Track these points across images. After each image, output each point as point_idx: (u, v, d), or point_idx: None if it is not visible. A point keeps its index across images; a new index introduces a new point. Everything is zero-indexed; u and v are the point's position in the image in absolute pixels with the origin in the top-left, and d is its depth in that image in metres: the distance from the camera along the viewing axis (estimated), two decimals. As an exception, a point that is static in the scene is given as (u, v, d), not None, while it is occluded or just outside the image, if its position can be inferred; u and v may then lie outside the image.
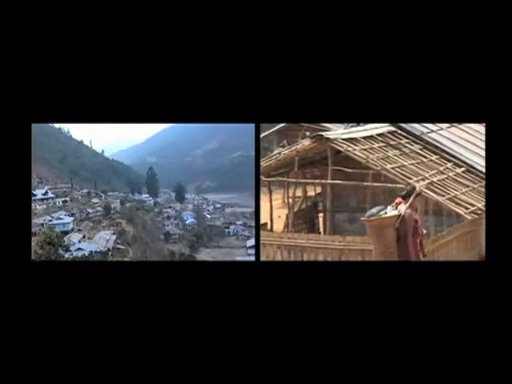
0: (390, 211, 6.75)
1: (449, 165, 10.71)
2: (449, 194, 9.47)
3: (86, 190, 30.72)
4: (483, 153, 11.36)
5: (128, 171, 43.84)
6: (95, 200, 29.39)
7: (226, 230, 29.21)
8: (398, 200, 6.87)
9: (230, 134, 54.61)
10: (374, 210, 6.90)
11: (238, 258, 24.05)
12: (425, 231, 7.21)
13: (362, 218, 6.87)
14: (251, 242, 26.41)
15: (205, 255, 25.83)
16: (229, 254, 25.63)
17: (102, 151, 46.38)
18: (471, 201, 9.59)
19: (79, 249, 20.82)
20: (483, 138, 12.25)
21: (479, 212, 9.42)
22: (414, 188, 6.95)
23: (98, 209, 27.83)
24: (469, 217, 9.23)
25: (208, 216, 31.63)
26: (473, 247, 10.43)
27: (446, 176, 10.17)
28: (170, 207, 32.25)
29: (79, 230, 24.19)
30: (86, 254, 20.57)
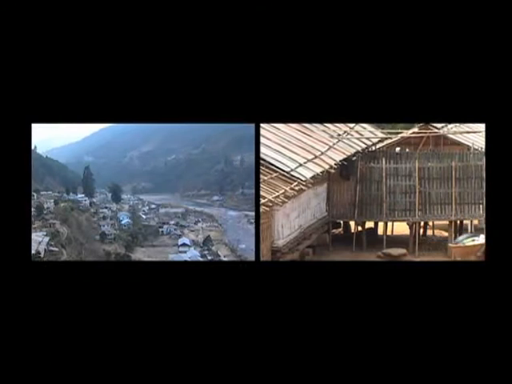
0: (481, 239, 7.39)
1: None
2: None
3: (17, 190, 29.67)
4: (274, 146, 11.69)
5: (63, 170, 42.66)
6: (27, 200, 28.65)
7: (160, 230, 29.68)
8: None
9: (165, 138, 54.89)
10: (460, 237, 7.76)
11: (171, 256, 24.68)
12: None
13: (449, 245, 7.59)
14: (182, 240, 27.30)
15: (140, 254, 26.18)
16: (162, 252, 26.29)
17: (35, 147, 44.59)
18: (262, 193, 9.75)
19: (7, 252, 20.37)
20: (274, 130, 12.54)
21: (270, 204, 9.74)
22: None
23: (30, 209, 27.23)
24: (260, 209, 9.52)
25: (143, 216, 31.91)
26: (265, 239, 10.79)
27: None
28: (105, 207, 32.09)
29: (9, 231, 23.65)
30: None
